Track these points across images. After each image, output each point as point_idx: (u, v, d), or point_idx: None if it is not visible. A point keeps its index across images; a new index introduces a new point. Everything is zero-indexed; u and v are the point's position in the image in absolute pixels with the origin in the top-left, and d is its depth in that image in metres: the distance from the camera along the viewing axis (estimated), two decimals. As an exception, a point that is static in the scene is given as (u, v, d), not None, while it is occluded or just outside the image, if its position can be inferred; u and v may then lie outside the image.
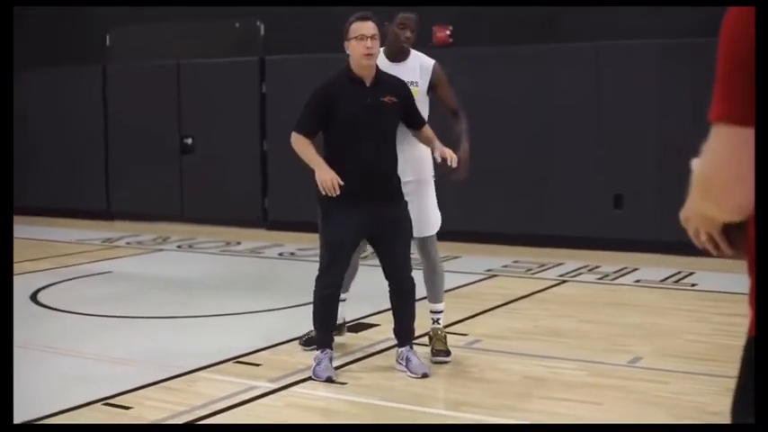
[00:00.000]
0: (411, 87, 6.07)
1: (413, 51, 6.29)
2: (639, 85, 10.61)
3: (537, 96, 11.17)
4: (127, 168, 14.17)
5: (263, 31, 13.37)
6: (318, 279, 5.99)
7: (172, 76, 13.70)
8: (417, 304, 6.12)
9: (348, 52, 5.84)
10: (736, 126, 1.78)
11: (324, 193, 5.71)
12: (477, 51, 11.46)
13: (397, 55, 6.24)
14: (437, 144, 5.97)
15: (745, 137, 1.77)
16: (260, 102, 12.94)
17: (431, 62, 6.29)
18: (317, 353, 5.97)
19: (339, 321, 6.44)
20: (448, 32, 11.94)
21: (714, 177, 1.84)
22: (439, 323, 6.40)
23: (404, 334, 6.09)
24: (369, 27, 5.77)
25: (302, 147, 5.85)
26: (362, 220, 5.82)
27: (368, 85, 5.83)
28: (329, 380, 5.81)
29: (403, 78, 6.06)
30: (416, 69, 6.21)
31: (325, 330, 6.01)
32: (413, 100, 6.01)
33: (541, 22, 11.44)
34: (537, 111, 11.16)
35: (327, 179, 5.66)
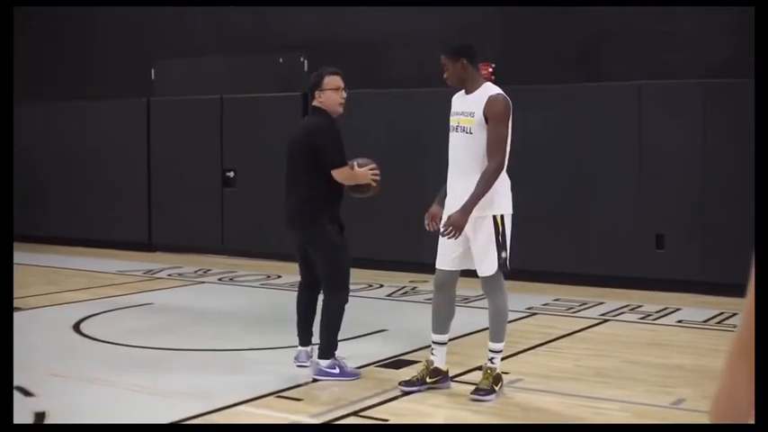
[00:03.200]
0: (465, 117, 6.22)
1: (485, 83, 6.34)
2: (681, 124, 10.57)
3: (579, 135, 11.16)
4: (169, 200, 14.29)
5: (306, 67, 13.47)
6: (337, 299, 6.81)
7: (215, 109, 13.82)
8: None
9: (320, 100, 6.82)
10: None
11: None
12: (519, 89, 11.43)
13: (465, 86, 6.37)
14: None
15: None
16: (302, 136, 13.00)
17: (489, 93, 6.26)
18: (333, 361, 6.73)
19: (444, 368, 6.51)
20: (491, 70, 11.97)
21: None
22: (493, 362, 6.37)
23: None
24: (341, 80, 6.83)
25: (350, 174, 6.76)
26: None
27: None
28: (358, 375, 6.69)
29: (466, 109, 6.24)
30: (479, 101, 6.21)
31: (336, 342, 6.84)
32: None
33: (584, 61, 11.45)
34: (579, 149, 11.14)
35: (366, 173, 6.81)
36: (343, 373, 6.69)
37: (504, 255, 6.22)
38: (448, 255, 6.33)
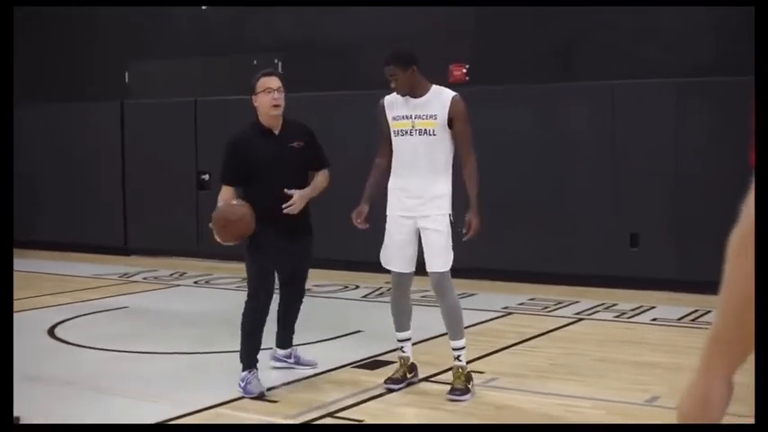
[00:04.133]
0: (425, 119, 6.27)
1: (433, 86, 6.38)
2: (655, 123, 10.63)
3: (553, 135, 11.21)
4: (144, 203, 14.25)
5: (280, 69, 13.45)
6: (247, 303, 6.62)
7: (189, 112, 13.79)
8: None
9: (255, 104, 6.61)
10: None
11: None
12: (493, 90, 11.51)
13: (414, 92, 6.36)
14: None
15: None
16: (277, 138, 12.99)
17: (449, 94, 6.35)
18: (245, 374, 6.46)
19: (410, 361, 6.70)
20: (464, 70, 12.01)
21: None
22: (460, 360, 6.42)
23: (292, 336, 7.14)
24: (274, 81, 6.55)
25: (224, 194, 6.54)
26: (281, 254, 6.56)
27: (276, 133, 6.58)
28: (262, 395, 6.32)
29: (421, 112, 6.28)
30: (440, 103, 6.28)
31: (254, 351, 6.59)
32: (315, 143, 6.74)
33: (557, 61, 11.49)
34: (553, 149, 11.19)
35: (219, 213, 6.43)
36: (247, 389, 6.40)
37: (452, 252, 6.40)
38: (406, 256, 6.43)
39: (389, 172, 6.51)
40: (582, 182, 11.02)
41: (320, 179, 6.76)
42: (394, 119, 6.39)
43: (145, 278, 12.24)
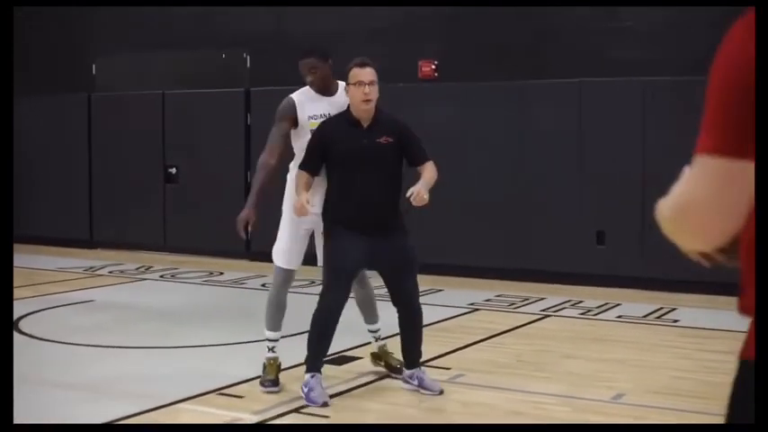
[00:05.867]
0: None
1: (341, 83, 6.26)
2: (622, 121, 10.67)
3: (521, 131, 11.23)
4: (110, 197, 14.17)
5: (249, 63, 13.41)
6: (318, 303, 6.14)
7: (157, 105, 13.71)
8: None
9: (347, 96, 6.09)
10: (726, 158, 1.73)
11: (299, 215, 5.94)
12: (461, 86, 11.52)
13: (329, 88, 6.29)
14: (419, 183, 6.01)
15: (735, 170, 1.72)
16: (245, 133, 12.95)
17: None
18: (307, 377, 6.06)
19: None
20: (433, 67, 12.01)
21: (694, 211, 1.79)
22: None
23: (415, 357, 6.37)
24: (367, 73, 6.00)
25: (296, 179, 6.11)
26: (363, 251, 6.02)
27: (365, 126, 6.06)
28: (325, 405, 5.92)
29: (335, 110, 6.18)
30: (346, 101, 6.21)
31: (318, 354, 6.15)
32: (410, 135, 6.19)
33: (526, 58, 11.52)
34: (520, 146, 11.21)
35: (297, 204, 5.87)
36: (309, 396, 6.02)
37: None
38: (300, 254, 6.43)
39: (276, 175, 6.27)
40: (549, 179, 11.05)
41: (428, 173, 6.10)
42: (310, 117, 6.20)
43: (111, 272, 12.16)
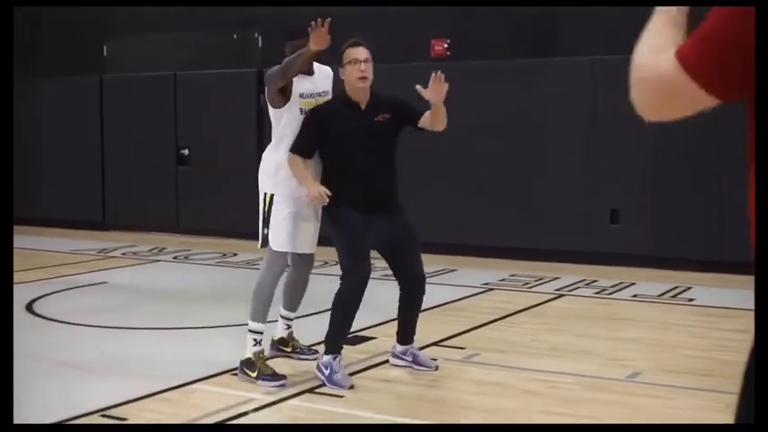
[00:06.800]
0: (325, 97, 6.22)
1: (315, 64, 6.28)
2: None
3: (534, 110, 11.17)
4: (123, 179, 14.17)
5: (260, 43, 13.37)
6: (341, 285, 6.09)
7: (169, 86, 13.69)
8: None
9: (343, 77, 6.13)
10: (694, 81, 1.82)
11: (323, 203, 5.92)
12: (474, 65, 11.46)
13: (309, 70, 6.24)
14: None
15: (691, 90, 1.83)
16: (257, 114, 12.92)
17: (329, 70, 6.39)
18: (328, 358, 6.03)
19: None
20: (446, 45, 11.95)
21: (646, 98, 2.08)
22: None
23: (411, 333, 6.42)
24: (361, 52, 6.08)
25: (293, 166, 6.05)
26: (373, 230, 6.05)
27: (363, 108, 6.11)
28: (352, 387, 5.90)
29: (320, 90, 6.22)
30: (322, 80, 6.28)
31: (341, 336, 6.15)
32: (402, 101, 6.26)
33: (538, 36, 11.45)
34: (534, 125, 11.16)
35: (315, 194, 5.86)
36: (334, 379, 5.96)
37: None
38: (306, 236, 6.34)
39: None
40: (562, 158, 11.00)
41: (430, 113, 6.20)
42: (301, 96, 6.15)
43: (123, 254, 12.17)
